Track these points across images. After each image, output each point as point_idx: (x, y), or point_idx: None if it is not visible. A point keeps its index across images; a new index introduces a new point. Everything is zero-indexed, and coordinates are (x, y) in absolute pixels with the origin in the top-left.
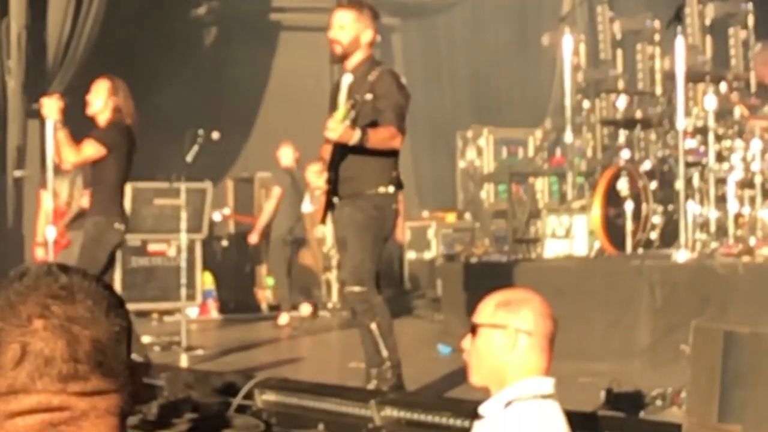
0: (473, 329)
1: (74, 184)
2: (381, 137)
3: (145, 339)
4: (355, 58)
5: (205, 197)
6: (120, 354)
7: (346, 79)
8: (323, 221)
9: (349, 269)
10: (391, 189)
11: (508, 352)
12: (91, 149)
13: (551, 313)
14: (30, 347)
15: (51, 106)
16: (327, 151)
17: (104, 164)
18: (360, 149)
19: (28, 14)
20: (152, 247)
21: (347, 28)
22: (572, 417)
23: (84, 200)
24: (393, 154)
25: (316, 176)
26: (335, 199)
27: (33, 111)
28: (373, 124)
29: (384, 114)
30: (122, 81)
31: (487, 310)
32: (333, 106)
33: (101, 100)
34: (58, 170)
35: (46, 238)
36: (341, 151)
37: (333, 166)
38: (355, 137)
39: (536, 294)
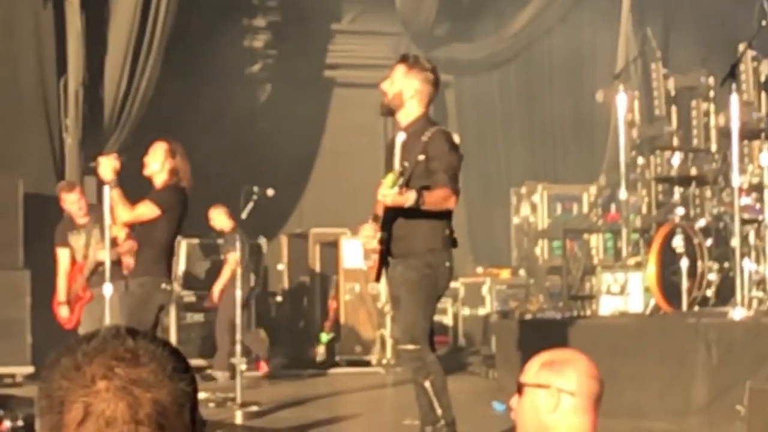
0: (519, 388)
1: (90, 238)
2: (435, 199)
3: (200, 395)
4: (408, 116)
5: (260, 253)
6: (183, 417)
7: (400, 138)
8: (377, 279)
9: (402, 327)
10: (443, 247)
11: (550, 412)
12: (146, 210)
13: (597, 374)
14: (92, 408)
15: (106, 166)
16: (381, 210)
17: (155, 225)
18: (412, 209)
19: (85, 72)
20: (207, 303)
21: (395, 81)
22: None
23: (101, 254)
24: (446, 213)
25: (370, 235)
26: (389, 258)
27: (90, 169)
28: (427, 186)
29: (437, 175)
30: (179, 143)
31: (532, 369)
32: (388, 164)
33: (158, 163)
34: (73, 226)
35: (68, 295)
36: (394, 211)
37: (386, 225)
38: (409, 200)
39: (582, 354)
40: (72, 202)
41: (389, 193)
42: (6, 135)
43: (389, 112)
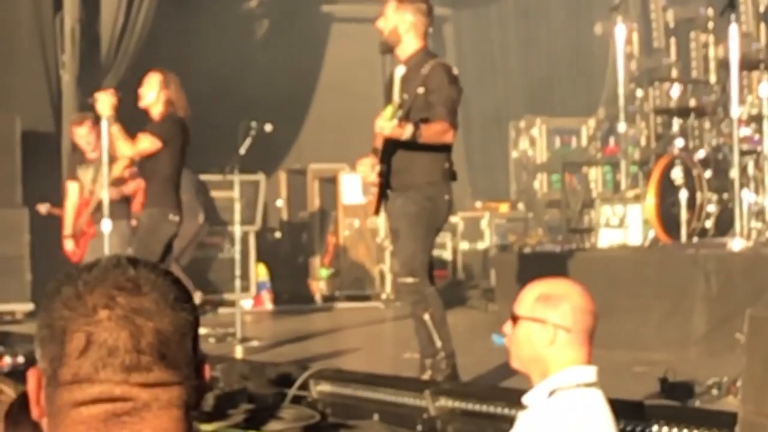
0: (514, 319)
1: (98, 174)
2: (433, 132)
3: (201, 330)
4: (407, 50)
5: (258, 189)
6: (185, 347)
7: (399, 71)
8: (377, 212)
9: (401, 260)
10: (443, 180)
11: (546, 346)
12: (147, 143)
13: (591, 307)
14: (94, 337)
15: (104, 102)
16: (379, 143)
17: (159, 157)
18: (412, 143)
19: (81, 8)
20: (207, 239)
21: (389, 18)
22: (625, 406)
23: (102, 192)
24: (446, 146)
25: (369, 168)
26: (388, 191)
27: (87, 105)
28: (426, 119)
29: (436, 108)
30: (173, 74)
31: (527, 302)
32: (388, 97)
33: (153, 93)
34: (82, 159)
35: (74, 229)
36: (393, 143)
37: (385, 159)
38: (406, 133)
39: (577, 285)
40: (81, 136)
41: (387, 125)
42: (2, 73)
43: (388, 49)
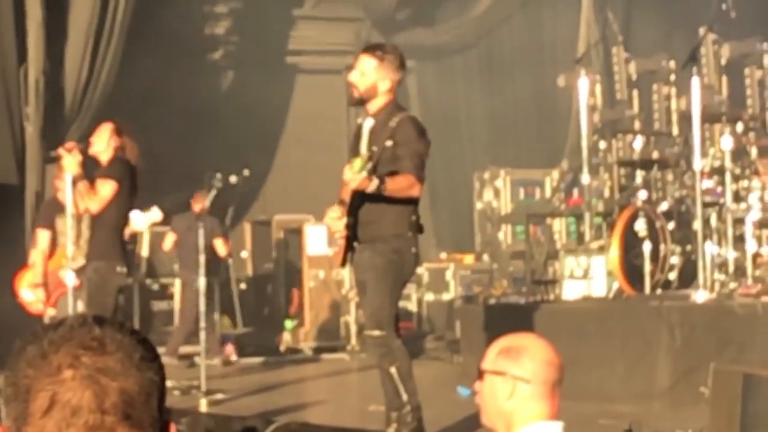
0: (480, 374)
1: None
2: (399, 186)
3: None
4: (377, 103)
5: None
6: (150, 407)
7: (368, 124)
8: (343, 264)
9: (368, 313)
10: (410, 233)
11: (507, 399)
12: (106, 188)
13: (554, 359)
14: (58, 396)
15: (70, 161)
16: (346, 194)
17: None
18: (379, 195)
19: (45, 60)
20: (172, 291)
21: (367, 74)
22: None
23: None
24: (413, 199)
25: (336, 220)
26: (355, 243)
27: (51, 158)
28: (393, 172)
29: (403, 162)
30: (126, 123)
31: (491, 355)
32: (355, 149)
33: (103, 142)
34: (62, 207)
35: (44, 278)
36: (361, 196)
37: (353, 210)
38: (372, 186)
39: (541, 339)
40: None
41: (356, 177)
42: None
43: (360, 102)
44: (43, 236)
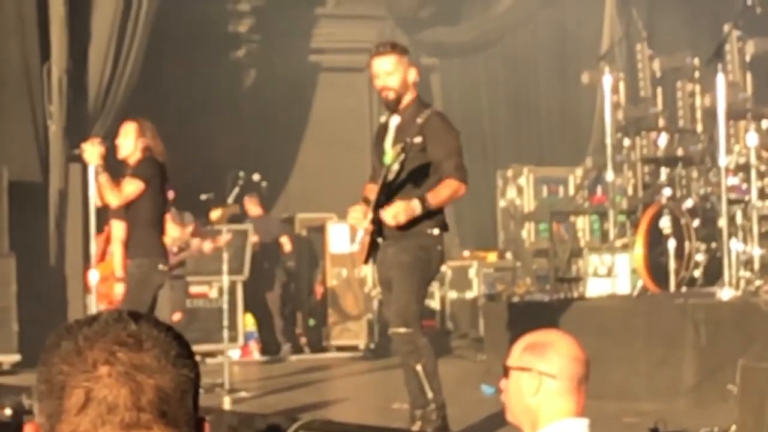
0: (505, 371)
1: None
2: (444, 197)
3: None
4: (404, 100)
5: (246, 239)
6: (185, 404)
7: (394, 121)
8: (366, 261)
9: (394, 310)
10: (437, 231)
11: (533, 395)
12: (131, 187)
13: (580, 355)
14: (94, 393)
15: (92, 152)
16: (370, 191)
17: (139, 202)
18: (407, 191)
19: (69, 59)
20: (194, 289)
21: (393, 72)
22: None
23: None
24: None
25: (361, 216)
26: (379, 240)
27: (74, 155)
28: (422, 168)
29: (442, 166)
30: (149, 121)
31: (516, 352)
32: (379, 147)
33: (130, 142)
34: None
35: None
36: (387, 191)
37: (378, 207)
38: (417, 210)
39: (566, 335)
40: None
41: (400, 211)
42: None
43: (397, 103)
44: (116, 227)
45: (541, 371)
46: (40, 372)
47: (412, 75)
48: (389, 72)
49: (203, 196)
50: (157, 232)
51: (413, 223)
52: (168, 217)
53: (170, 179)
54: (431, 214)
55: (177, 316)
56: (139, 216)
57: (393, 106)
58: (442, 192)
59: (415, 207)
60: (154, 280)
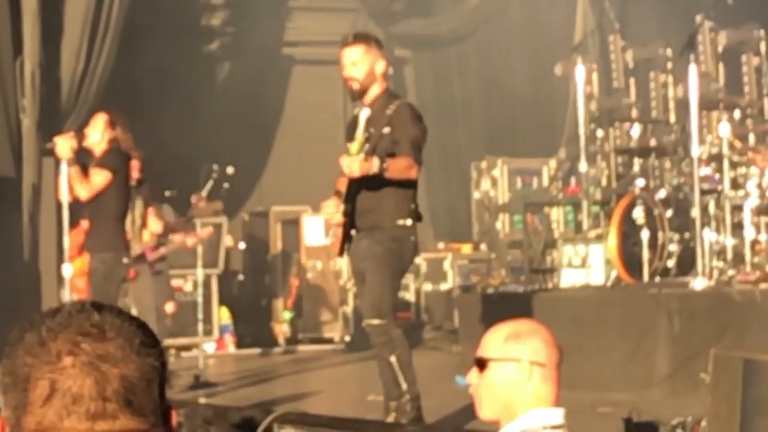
0: (481, 363)
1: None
2: (399, 167)
3: None
4: (373, 92)
5: (220, 232)
6: (151, 393)
7: (364, 113)
8: (340, 254)
9: (368, 302)
10: (409, 221)
11: (523, 385)
12: (99, 178)
13: (556, 341)
14: (58, 384)
15: (64, 145)
16: (342, 184)
17: (104, 194)
18: (378, 182)
19: (41, 52)
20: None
21: (359, 62)
22: None
23: (65, 235)
24: (411, 186)
25: (334, 209)
26: (353, 232)
27: (47, 150)
28: (391, 154)
29: (400, 145)
30: (120, 115)
31: (496, 343)
32: (350, 139)
33: (98, 133)
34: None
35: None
36: (359, 183)
37: (350, 199)
38: (374, 167)
39: (541, 324)
40: None
41: (355, 160)
42: None
43: (362, 93)
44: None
45: (532, 360)
46: (5, 365)
47: (381, 66)
48: (355, 62)
49: (167, 193)
50: (122, 224)
51: (385, 214)
52: (151, 211)
53: (144, 172)
54: (402, 206)
55: (170, 307)
56: (104, 208)
57: (358, 97)
58: (398, 161)
59: (373, 165)
60: (119, 274)
